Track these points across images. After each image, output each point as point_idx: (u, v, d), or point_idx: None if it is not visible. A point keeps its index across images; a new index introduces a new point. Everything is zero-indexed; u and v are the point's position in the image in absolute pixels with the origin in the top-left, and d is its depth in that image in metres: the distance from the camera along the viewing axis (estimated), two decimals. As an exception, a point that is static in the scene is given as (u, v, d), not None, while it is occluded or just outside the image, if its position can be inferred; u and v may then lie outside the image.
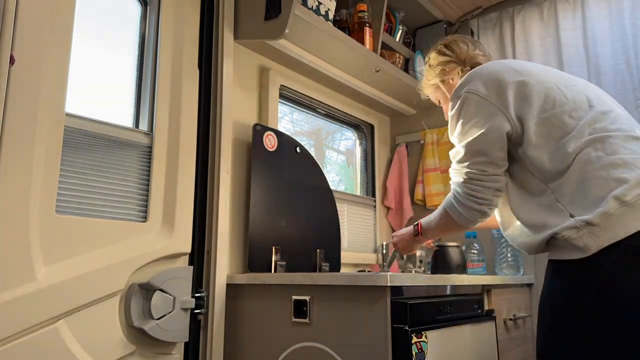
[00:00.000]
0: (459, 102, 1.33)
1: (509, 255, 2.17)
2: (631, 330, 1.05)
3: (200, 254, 1.65)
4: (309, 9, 1.81)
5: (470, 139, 1.29)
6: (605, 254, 1.08)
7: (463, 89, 1.33)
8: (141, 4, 1.67)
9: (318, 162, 2.08)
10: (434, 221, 1.50)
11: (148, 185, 1.55)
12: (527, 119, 1.24)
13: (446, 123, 2.60)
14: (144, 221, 1.52)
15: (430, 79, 1.61)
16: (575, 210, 1.14)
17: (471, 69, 1.50)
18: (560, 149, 1.19)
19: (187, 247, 1.60)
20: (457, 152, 1.34)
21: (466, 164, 1.30)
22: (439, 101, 1.65)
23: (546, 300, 1.19)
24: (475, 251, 2.21)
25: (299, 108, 2.27)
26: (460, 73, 1.54)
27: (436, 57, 1.58)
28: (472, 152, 1.29)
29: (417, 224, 1.59)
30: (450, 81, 1.56)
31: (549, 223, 1.17)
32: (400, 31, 2.54)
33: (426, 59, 1.64)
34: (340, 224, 2.14)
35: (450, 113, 1.37)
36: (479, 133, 1.27)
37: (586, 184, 1.14)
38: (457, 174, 1.34)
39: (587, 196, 1.14)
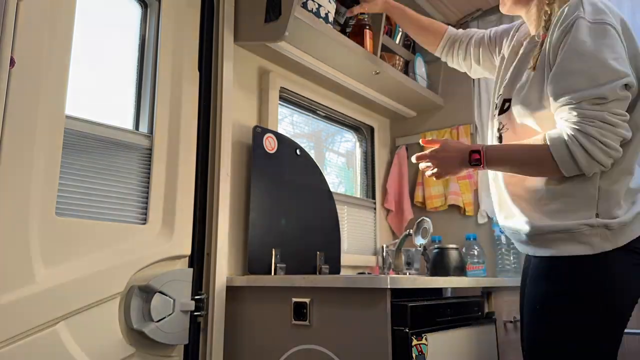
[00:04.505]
0: (597, 30, 1.14)
1: (509, 257, 2.17)
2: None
3: (200, 256, 1.65)
4: (309, 11, 1.81)
5: (608, 79, 1.10)
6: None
7: (602, 17, 1.15)
8: (141, 6, 1.67)
9: (318, 164, 2.08)
10: (513, 154, 1.25)
11: (148, 187, 1.55)
12: None
13: (444, 125, 2.60)
14: (144, 223, 1.52)
15: None
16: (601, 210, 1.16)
17: None
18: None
19: (187, 250, 1.60)
20: (585, 88, 1.11)
21: (601, 105, 1.10)
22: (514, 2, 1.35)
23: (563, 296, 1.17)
24: (476, 253, 2.21)
25: (299, 110, 2.27)
26: None
27: None
28: (611, 97, 1.10)
29: (479, 151, 1.27)
30: None
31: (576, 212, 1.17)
32: (400, 33, 2.54)
33: None
34: (340, 226, 2.14)
35: (576, 32, 1.15)
36: (619, 71, 1.11)
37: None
38: (581, 113, 1.11)
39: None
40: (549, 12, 1.24)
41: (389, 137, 2.73)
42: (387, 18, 2.42)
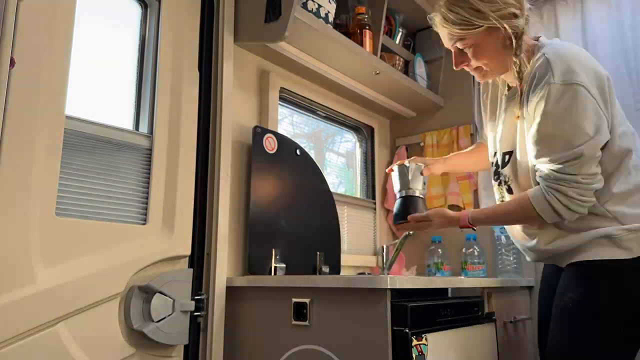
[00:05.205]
0: (568, 92, 1.20)
1: (509, 258, 2.17)
2: None
3: (200, 257, 1.65)
4: (309, 11, 1.81)
5: (583, 141, 1.20)
6: None
7: (570, 77, 1.20)
8: (141, 6, 1.67)
9: (318, 165, 2.08)
10: (498, 213, 1.40)
11: (148, 187, 1.55)
12: (614, 126, 1.26)
13: (444, 125, 2.59)
14: (144, 224, 1.52)
15: (486, 17, 1.27)
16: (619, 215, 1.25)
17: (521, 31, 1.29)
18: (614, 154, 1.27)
19: (187, 250, 1.60)
20: (561, 151, 1.22)
21: (576, 166, 1.21)
22: (464, 46, 1.35)
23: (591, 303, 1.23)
24: (476, 254, 2.21)
25: (299, 110, 2.27)
26: (525, 29, 1.30)
27: None
28: (586, 156, 1.20)
29: (465, 217, 1.42)
30: (510, 29, 1.28)
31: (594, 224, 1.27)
32: (400, 34, 2.54)
33: None
34: (340, 227, 2.14)
35: (548, 98, 1.22)
36: (591, 136, 1.20)
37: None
38: (558, 173, 1.23)
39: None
40: (518, 64, 1.32)
41: (389, 138, 2.73)
42: (387, 18, 2.42)
